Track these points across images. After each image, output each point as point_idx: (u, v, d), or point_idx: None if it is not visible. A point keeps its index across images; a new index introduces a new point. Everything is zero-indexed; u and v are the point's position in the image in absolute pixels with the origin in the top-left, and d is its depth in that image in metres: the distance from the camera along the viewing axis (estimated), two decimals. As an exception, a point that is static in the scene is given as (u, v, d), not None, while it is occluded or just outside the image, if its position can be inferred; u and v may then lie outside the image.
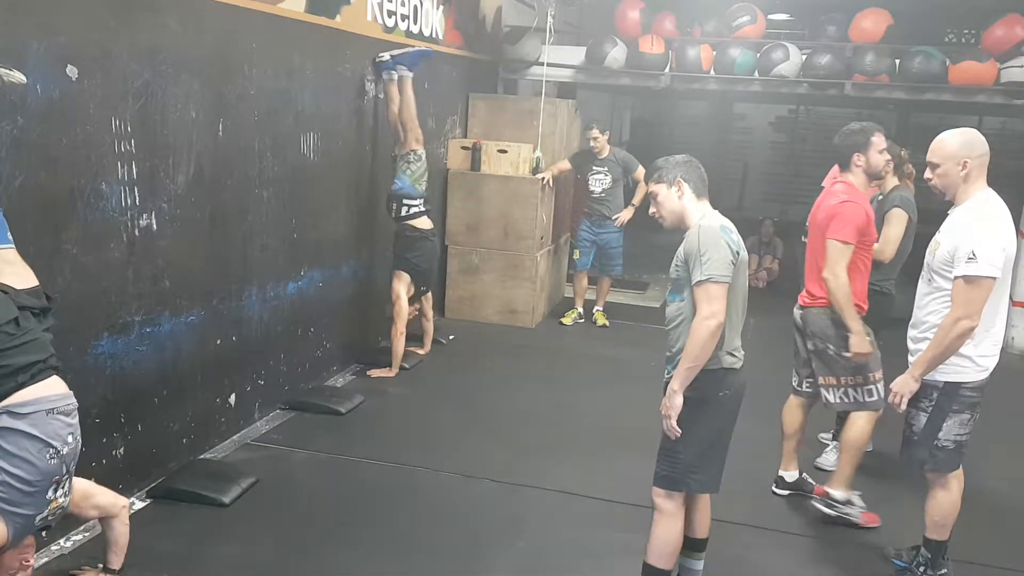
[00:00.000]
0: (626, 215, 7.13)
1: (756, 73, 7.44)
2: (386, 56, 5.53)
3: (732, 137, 13.45)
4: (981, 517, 4.17)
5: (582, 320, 7.39)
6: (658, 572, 3.04)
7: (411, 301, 5.72)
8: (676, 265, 2.95)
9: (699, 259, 2.80)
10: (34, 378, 2.56)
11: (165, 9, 3.70)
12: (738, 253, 2.86)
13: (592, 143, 7.01)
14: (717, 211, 2.99)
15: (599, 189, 7.09)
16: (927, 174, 3.26)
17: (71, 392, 2.68)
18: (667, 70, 7.63)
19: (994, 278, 3.03)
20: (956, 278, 3.06)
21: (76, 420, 2.68)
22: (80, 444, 2.69)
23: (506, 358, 6.32)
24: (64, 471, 2.62)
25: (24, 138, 3.04)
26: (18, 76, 2.73)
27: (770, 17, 8.30)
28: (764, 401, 4.93)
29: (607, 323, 7.34)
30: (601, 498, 4.05)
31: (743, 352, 2.98)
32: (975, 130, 3.25)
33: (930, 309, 3.22)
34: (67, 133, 3.24)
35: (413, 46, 5.62)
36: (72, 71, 3.22)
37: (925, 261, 3.30)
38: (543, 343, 6.78)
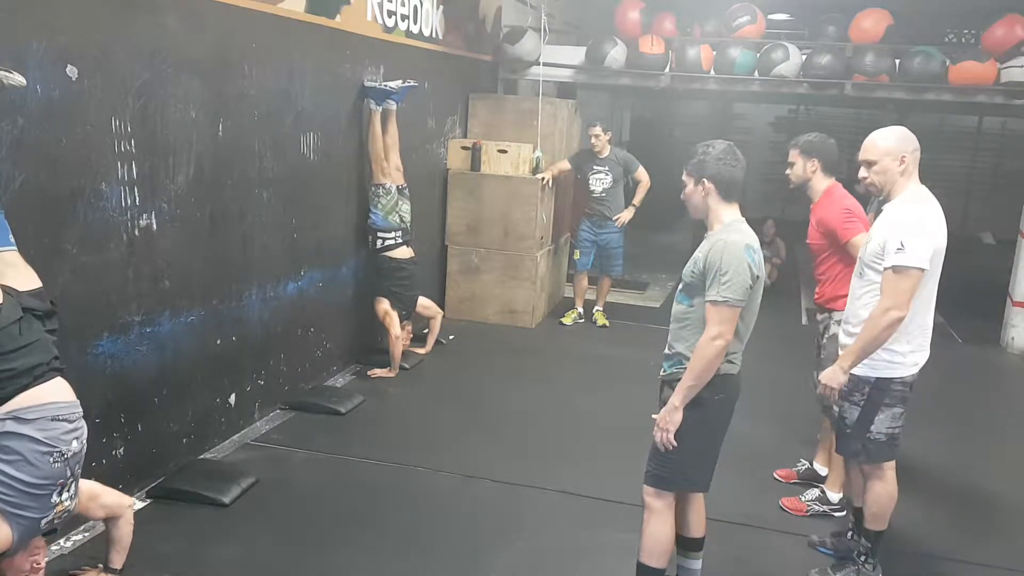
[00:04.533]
0: (627, 216, 7.13)
1: (756, 73, 7.43)
2: (392, 85, 5.51)
3: (732, 137, 13.41)
4: (981, 517, 4.18)
5: (582, 320, 7.38)
6: (652, 571, 3.03)
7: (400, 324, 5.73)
8: (692, 270, 2.91)
9: (719, 277, 2.78)
10: (37, 380, 2.57)
11: (165, 9, 3.70)
12: (758, 277, 2.86)
13: (593, 140, 6.99)
14: (744, 219, 2.96)
15: (599, 189, 7.08)
16: (862, 172, 3.27)
17: (76, 401, 2.68)
18: (667, 70, 7.63)
19: (923, 269, 3.06)
20: (885, 269, 3.09)
21: (81, 425, 2.68)
22: (85, 447, 2.70)
23: (506, 358, 6.32)
24: (68, 474, 2.62)
25: (24, 138, 3.04)
26: (18, 79, 2.72)
27: (770, 17, 8.31)
28: (763, 401, 4.94)
29: (607, 323, 7.34)
30: (601, 498, 4.05)
31: (741, 357, 2.98)
32: (904, 127, 3.28)
33: (863, 303, 3.23)
34: (67, 133, 3.24)
35: (405, 82, 5.63)
36: (72, 71, 3.22)
37: (858, 256, 3.34)
38: (543, 343, 6.78)
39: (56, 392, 2.63)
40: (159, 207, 3.77)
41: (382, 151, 5.55)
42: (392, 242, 5.65)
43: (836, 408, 3.78)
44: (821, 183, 3.88)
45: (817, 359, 4.05)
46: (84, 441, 2.69)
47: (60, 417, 2.59)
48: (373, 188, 5.58)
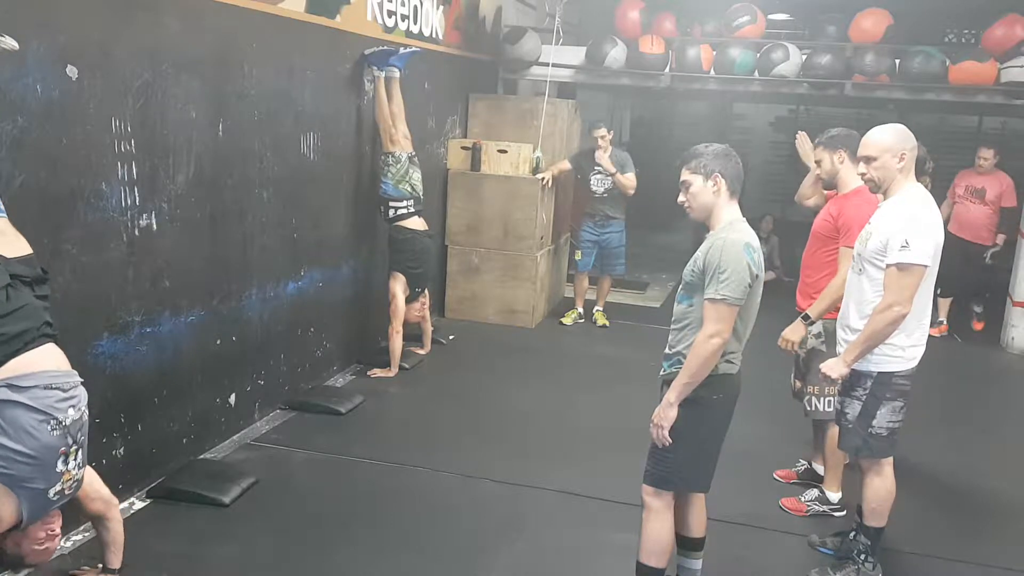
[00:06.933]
0: (608, 165, 6.87)
1: (756, 73, 7.43)
2: (394, 52, 5.52)
3: (732, 137, 13.43)
4: (981, 517, 4.18)
5: (582, 320, 7.38)
6: (651, 571, 3.03)
7: (408, 301, 5.72)
8: (692, 270, 2.91)
9: (717, 275, 2.77)
10: (28, 346, 2.56)
11: (165, 9, 3.70)
12: (757, 276, 2.85)
13: (600, 142, 6.94)
14: (745, 219, 2.96)
15: (601, 189, 7.07)
16: (861, 168, 3.30)
17: (72, 370, 2.68)
18: (667, 70, 7.63)
19: (926, 266, 3.10)
20: (889, 266, 3.11)
21: (77, 393, 2.67)
22: (87, 416, 2.69)
23: (506, 358, 6.31)
24: (71, 442, 2.61)
25: (24, 138, 3.04)
26: (11, 42, 2.70)
27: (770, 17, 8.29)
28: (763, 401, 4.94)
29: (607, 323, 7.33)
30: (601, 498, 4.05)
31: (740, 356, 2.98)
32: (902, 125, 3.30)
33: (867, 300, 3.25)
34: (67, 133, 3.24)
35: (407, 47, 5.63)
36: (72, 71, 3.22)
37: (855, 251, 3.36)
38: (543, 343, 6.78)
39: (49, 360, 2.62)
40: (159, 207, 3.77)
41: (389, 118, 5.53)
42: (405, 211, 5.61)
43: (819, 405, 3.79)
44: (851, 174, 3.76)
45: (799, 369, 4.08)
46: (83, 408, 2.67)
47: (53, 386, 2.58)
48: (383, 157, 5.56)
